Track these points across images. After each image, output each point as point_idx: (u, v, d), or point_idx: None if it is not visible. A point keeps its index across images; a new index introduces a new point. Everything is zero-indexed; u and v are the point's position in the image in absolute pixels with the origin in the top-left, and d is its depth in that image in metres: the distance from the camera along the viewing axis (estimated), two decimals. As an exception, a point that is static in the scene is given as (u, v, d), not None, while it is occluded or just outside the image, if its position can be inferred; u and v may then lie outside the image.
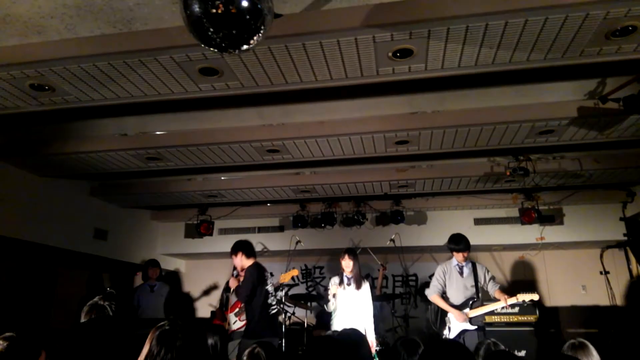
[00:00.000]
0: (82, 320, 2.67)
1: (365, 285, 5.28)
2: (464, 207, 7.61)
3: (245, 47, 2.42)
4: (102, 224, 7.18)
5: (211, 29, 2.24)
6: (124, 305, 6.96)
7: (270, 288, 4.83)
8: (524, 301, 5.06)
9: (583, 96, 4.47)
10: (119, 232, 7.53)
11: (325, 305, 5.42)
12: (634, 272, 7.65)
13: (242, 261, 4.91)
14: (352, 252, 5.31)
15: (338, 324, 5.14)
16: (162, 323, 3.14)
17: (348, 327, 5.00)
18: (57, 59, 3.45)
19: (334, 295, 5.20)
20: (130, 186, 6.96)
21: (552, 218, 7.39)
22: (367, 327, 5.08)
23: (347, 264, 5.22)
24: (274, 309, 4.81)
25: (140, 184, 6.93)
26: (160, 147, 5.21)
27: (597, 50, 3.37)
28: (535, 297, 5.03)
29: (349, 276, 5.24)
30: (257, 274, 4.75)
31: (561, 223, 7.47)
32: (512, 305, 5.73)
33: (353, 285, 5.21)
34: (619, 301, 7.64)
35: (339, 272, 5.37)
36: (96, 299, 2.70)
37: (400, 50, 3.40)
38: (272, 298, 4.82)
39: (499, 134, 4.85)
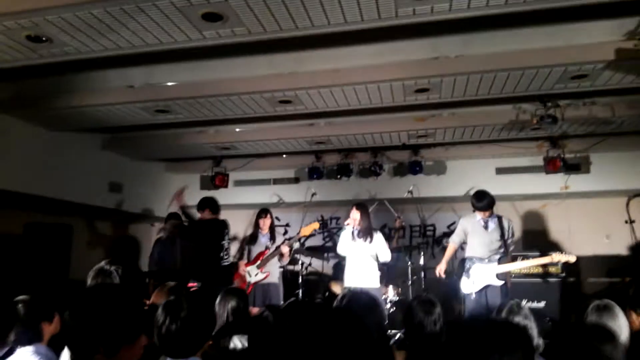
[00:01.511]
0: (89, 283, 2.58)
1: (377, 237, 5.19)
2: (485, 156, 7.33)
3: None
4: (117, 177, 7.13)
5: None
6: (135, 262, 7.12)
7: (225, 243, 5.33)
8: (559, 261, 4.89)
9: (621, 36, 4.07)
10: (133, 185, 7.49)
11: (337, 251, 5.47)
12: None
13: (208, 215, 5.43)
14: (360, 206, 5.23)
15: (349, 278, 5.18)
16: (168, 286, 3.08)
17: (358, 280, 5.07)
18: (51, 7, 3.23)
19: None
20: (141, 139, 6.84)
21: (578, 167, 7.08)
22: (373, 279, 5.16)
23: (354, 216, 5.13)
24: (226, 261, 5.34)
25: (152, 137, 6.80)
26: (168, 99, 5.03)
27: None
28: (573, 258, 4.84)
29: (357, 229, 5.14)
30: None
31: (587, 171, 7.16)
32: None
33: (362, 238, 5.13)
34: (643, 250, 7.44)
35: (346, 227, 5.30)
36: (102, 263, 2.60)
37: (422, -13, 3.07)
38: (225, 252, 5.27)
39: (528, 79, 4.52)
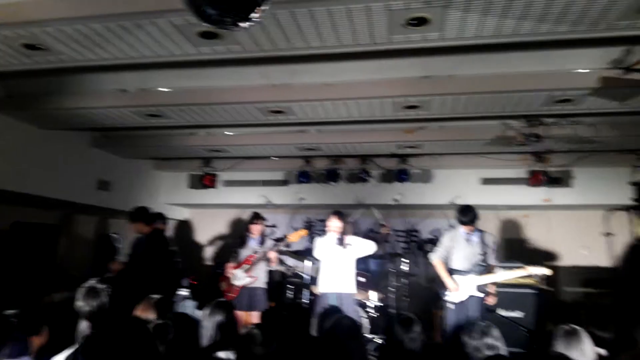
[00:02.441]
0: (79, 302, 2.64)
1: (351, 239, 5.26)
2: (470, 166, 7.48)
3: (245, 24, 2.24)
4: (105, 175, 7.13)
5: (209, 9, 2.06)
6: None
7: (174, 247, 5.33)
8: (535, 274, 5.02)
9: (606, 64, 4.21)
10: (122, 183, 7.50)
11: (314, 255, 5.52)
12: (637, 234, 7.63)
13: (143, 228, 5.23)
14: (340, 214, 5.27)
15: (326, 283, 5.20)
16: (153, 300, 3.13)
17: (337, 286, 5.13)
18: (49, 19, 3.25)
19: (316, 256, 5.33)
20: (131, 138, 6.84)
21: (560, 180, 7.27)
22: (350, 285, 5.17)
23: (334, 224, 5.18)
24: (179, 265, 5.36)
25: (142, 137, 6.80)
26: (160, 105, 5.05)
27: (627, 24, 3.12)
28: (548, 272, 4.96)
29: (337, 236, 5.22)
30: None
31: (568, 185, 7.35)
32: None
33: (341, 245, 5.21)
34: (619, 263, 7.68)
35: (324, 232, 5.34)
36: (93, 281, 2.67)
37: (415, 18, 3.15)
38: (177, 256, 5.34)
39: (515, 101, 4.64)
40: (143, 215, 5.31)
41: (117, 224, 8.05)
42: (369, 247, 5.31)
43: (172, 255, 5.17)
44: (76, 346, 2.37)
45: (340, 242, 5.17)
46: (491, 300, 5.13)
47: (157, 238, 5.25)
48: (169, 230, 7.16)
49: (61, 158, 6.25)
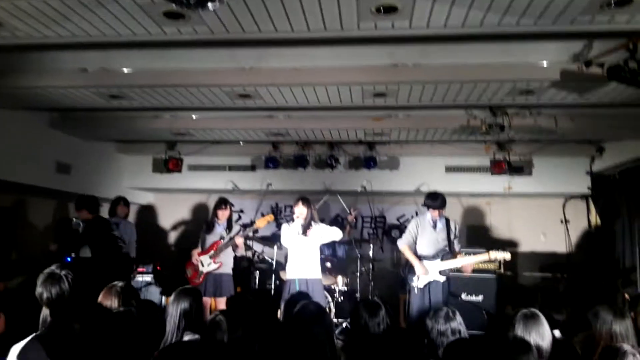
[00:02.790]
0: (38, 289, 2.57)
1: (317, 227, 5.28)
2: (436, 154, 7.60)
3: (211, 5, 2.18)
4: (65, 158, 6.89)
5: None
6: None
7: (116, 232, 5.28)
8: (496, 259, 5.18)
9: (568, 57, 4.32)
10: (83, 166, 7.26)
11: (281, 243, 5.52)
12: (593, 222, 7.97)
13: (87, 216, 5.25)
14: (306, 200, 5.25)
15: (293, 270, 5.20)
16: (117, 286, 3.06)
17: (303, 272, 5.15)
18: (2, -7, 3.08)
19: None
20: (92, 119, 6.60)
21: (521, 169, 7.47)
22: (316, 270, 5.20)
23: (300, 211, 5.16)
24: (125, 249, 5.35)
25: (104, 118, 6.57)
26: (123, 85, 4.89)
27: (590, 19, 3.21)
28: (508, 256, 5.12)
29: (302, 223, 5.24)
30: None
31: (530, 174, 7.55)
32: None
33: (307, 231, 5.23)
34: (575, 249, 8.01)
35: (291, 218, 5.33)
36: (53, 267, 2.59)
37: (384, 6, 3.15)
38: (120, 240, 5.28)
39: (480, 91, 4.73)
40: (86, 202, 5.34)
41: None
42: (334, 234, 5.34)
43: (114, 240, 5.12)
44: (36, 333, 2.31)
45: (305, 229, 5.19)
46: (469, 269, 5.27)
47: (97, 223, 5.24)
48: (131, 215, 6.99)
49: (17, 139, 5.99)
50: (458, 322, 3.02)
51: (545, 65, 4.34)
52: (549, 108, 5.66)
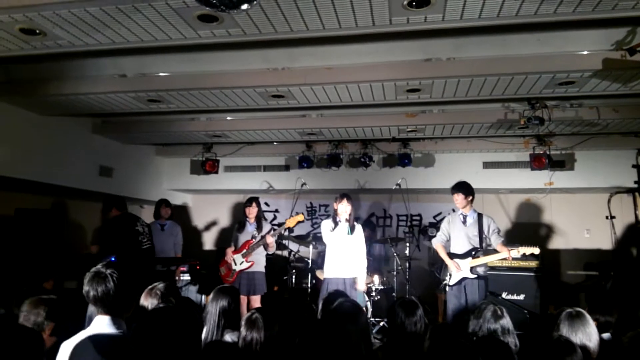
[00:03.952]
0: (85, 287, 2.65)
1: (358, 228, 5.23)
2: (473, 150, 7.45)
3: (245, 6, 2.21)
4: (107, 161, 7.14)
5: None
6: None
7: (139, 228, 5.15)
8: (524, 254, 5.04)
9: (610, 46, 4.16)
10: (124, 169, 7.50)
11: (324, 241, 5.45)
12: (641, 217, 7.62)
13: (116, 213, 5.20)
14: (349, 197, 5.20)
15: (330, 270, 5.13)
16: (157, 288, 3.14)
17: (345, 271, 5.12)
18: (46, 4, 3.21)
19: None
20: (132, 124, 6.83)
21: (562, 163, 7.24)
22: (359, 271, 5.12)
23: (344, 208, 5.11)
24: (146, 244, 5.19)
25: (143, 122, 6.79)
26: (161, 90, 5.02)
27: (633, 4, 3.07)
28: (536, 250, 4.99)
29: (347, 218, 5.17)
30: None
31: (572, 168, 7.32)
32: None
33: (347, 230, 5.19)
34: (621, 246, 7.68)
35: (331, 215, 5.26)
36: (99, 266, 2.67)
37: (416, -1, 3.11)
38: (142, 236, 5.14)
39: (517, 84, 4.59)
40: (114, 201, 5.37)
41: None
42: (362, 248, 5.25)
43: (136, 235, 5.09)
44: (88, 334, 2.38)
45: (352, 228, 5.16)
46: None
47: (120, 219, 5.25)
48: (173, 215, 7.18)
49: (62, 144, 6.25)
50: (507, 320, 2.93)
51: (585, 55, 4.17)
52: (590, 99, 5.46)
